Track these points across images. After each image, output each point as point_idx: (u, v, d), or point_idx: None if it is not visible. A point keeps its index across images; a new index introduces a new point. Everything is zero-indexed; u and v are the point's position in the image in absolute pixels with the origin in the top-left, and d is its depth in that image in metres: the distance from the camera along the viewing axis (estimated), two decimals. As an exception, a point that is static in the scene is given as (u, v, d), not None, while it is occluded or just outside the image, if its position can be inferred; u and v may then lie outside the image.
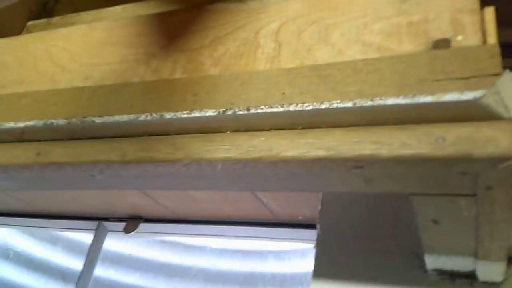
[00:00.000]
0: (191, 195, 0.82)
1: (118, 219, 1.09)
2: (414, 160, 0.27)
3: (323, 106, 0.32)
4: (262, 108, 0.33)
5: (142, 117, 0.37)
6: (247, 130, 0.33)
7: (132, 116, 0.37)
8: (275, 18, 0.41)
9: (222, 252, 1.55)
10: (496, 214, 0.32)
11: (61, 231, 1.31)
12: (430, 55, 0.31)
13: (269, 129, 0.33)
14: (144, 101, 0.38)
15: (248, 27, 0.41)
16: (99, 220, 1.12)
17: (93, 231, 1.13)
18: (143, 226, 1.06)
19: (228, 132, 0.34)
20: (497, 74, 0.28)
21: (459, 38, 0.32)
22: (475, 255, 0.43)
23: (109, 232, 1.15)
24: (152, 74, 0.41)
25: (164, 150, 0.34)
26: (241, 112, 0.34)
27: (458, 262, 0.46)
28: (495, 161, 0.26)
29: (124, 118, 0.38)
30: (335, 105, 0.31)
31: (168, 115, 0.36)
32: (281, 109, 0.33)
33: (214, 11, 0.44)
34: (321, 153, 0.30)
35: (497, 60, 0.29)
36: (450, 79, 0.29)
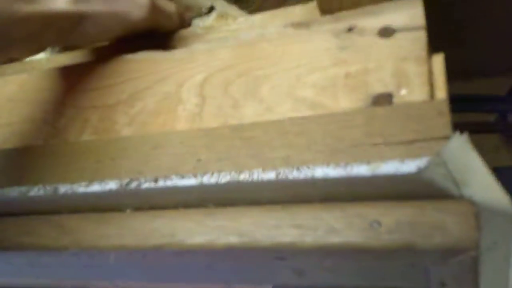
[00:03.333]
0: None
1: None
2: (343, 251, 0.21)
3: (241, 176, 0.26)
4: (171, 179, 0.27)
5: (34, 190, 0.31)
6: (151, 207, 0.27)
7: (23, 189, 0.31)
8: (202, 69, 0.35)
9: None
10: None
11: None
12: (368, 113, 0.26)
13: (176, 207, 0.27)
14: (41, 170, 0.32)
15: (171, 80, 0.36)
16: None
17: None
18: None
19: (128, 210, 0.28)
20: (446, 137, 0.22)
21: (403, 92, 0.27)
22: None
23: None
24: (58, 136, 0.35)
25: (49, 235, 0.28)
26: (147, 185, 0.28)
27: None
28: (445, 254, 0.20)
29: (14, 191, 0.31)
30: (255, 175, 0.25)
31: (63, 188, 0.30)
32: (193, 180, 0.27)
33: (136, 62, 0.38)
34: (233, 240, 0.23)
35: (446, 119, 0.23)
36: (390, 143, 0.24)
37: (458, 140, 0.21)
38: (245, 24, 0.41)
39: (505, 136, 0.58)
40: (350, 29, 0.32)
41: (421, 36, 0.29)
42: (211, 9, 0.46)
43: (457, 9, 0.60)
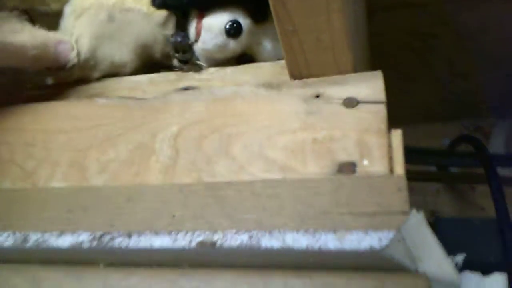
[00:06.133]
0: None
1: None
2: (312, 318, 0.23)
3: (216, 237, 0.27)
4: (146, 234, 0.28)
5: (3, 236, 0.30)
6: (124, 264, 0.28)
7: (-10, 234, 0.31)
8: (176, 121, 0.37)
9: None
10: None
11: None
12: (335, 181, 0.28)
13: (150, 265, 0.28)
14: (10, 215, 0.32)
15: (145, 128, 0.37)
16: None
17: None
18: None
19: (101, 265, 0.28)
20: (405, 213, 0.25)
21: (365, 162, 0.29)
22: None
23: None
24: (26, 179, 0.35)
25: (20, 286, 0.28)
26: (120, 239, 0.28)
27: None
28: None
29: (-19, 236, 0.31)
30: (229, 235, 0.27)
31: (34, 236, 0.30)
32: (167, 238, 0.28)
33: (109, 107, 0.39)
34: (208, 301, 0.25)
35: (404, 195, 0.26)
36: (354, 213, 0.26)
37: (415, 218, 0.24)
38: (217, 74, 0.43)
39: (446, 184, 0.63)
40: (317, 96, 0.35)
41: (382, 110, 0.32)
42: None
43: (403, 62, 0.65)
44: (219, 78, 0.43)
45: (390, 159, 0.29)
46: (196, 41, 0.44)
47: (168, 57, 0.48)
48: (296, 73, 0.37)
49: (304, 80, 0.36)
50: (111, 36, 0.45)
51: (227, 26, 0.43)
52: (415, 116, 0.69)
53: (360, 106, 0.33)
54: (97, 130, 0.38)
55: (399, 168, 0.28)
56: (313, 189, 0.28)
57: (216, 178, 0.31)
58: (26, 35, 0.38)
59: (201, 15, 0.44)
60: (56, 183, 0.34)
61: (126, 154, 0.35)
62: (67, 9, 0.45)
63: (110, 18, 0.44)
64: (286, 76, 0.38)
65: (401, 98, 0.67)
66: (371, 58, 0.60)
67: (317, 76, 0.36)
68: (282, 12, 0.33)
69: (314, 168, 0.30)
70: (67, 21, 0.45)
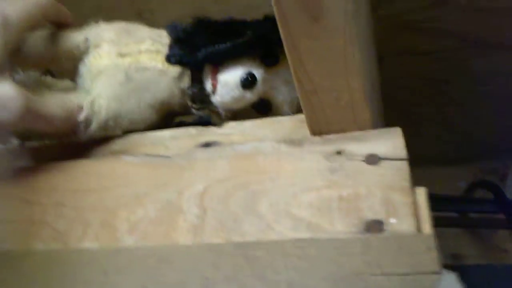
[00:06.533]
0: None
1: None
2: None
3: (250, 299, 0.28)
4: (180, 298, 0.29)
5: (39, 300, 0.31)
6: (162, 328, 0.29)
7: (27, 299, 0.32)
8: (201, 179, 0.38)
9: None
10: None
11: None
12: (363, 241, 0.29)
13: (188, 329, 0.28)
14: (45, 279, 0.33)
15: (171, 187, 0.38)
16: None
17: None
18: None
19: (138, 330, 0.29)
20: (436, 273, 0.26)
21: (392, 221, 0.30)
22: None
23: None
24: (58, 239, 0.36)
25: None
26: (156, 302, 0.29)
27: None
28: None
29: (17, 301, 0.32)
30: (263, 299, 0.28)
31: (71, 300, 0.31)
32: (202, 300, 0.28)
33: (135, 164, 0.40)
34: None
35: (434, 254, 0.27)
36: (386, 274, 0.27)
37: (447, 279, 0.25)
38: (236, 129, 0.45)
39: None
40: (339, 153, 0.36)
41: (404, 167, 0.33)
42: (87, 46, 0.46)
43: (415, 107, 0.66)
44: (239, 133, 0.44)
45: (417, 218, 0.30)
46: (213, 93, 0.46)
47: (186, 107, 0.50)
48: (316, 130, 0.38)
49: (325, 136, 0.38)
50: (129, 96, 0.46)
51: (242, 80, 0.45)
52: (429, 159, 0.70)
53: (382, 163, 0.34)
54: (125, 189, 0.39)
55: (427, 226, 0.29)
56: (343, 249, 0.29)
57: (245, 237, 0.32)
58: (54, 104, 0.40)
59: (215, 69, 0.46)
60: (88, 244, 0.35)
61: (154, 213, 0.36)
62: (82, 69, 0.47)
63: (128, 79, 0.46)
64: (305, 130, 0.39)
65: (414, 142, 0.68)
66: (383, 103, 0.62)
67: (337, 132, 0.37)
68: (302, 73, 0.34)
69: (342, 227, 0.31)
70: (83, 81, 0.47)
